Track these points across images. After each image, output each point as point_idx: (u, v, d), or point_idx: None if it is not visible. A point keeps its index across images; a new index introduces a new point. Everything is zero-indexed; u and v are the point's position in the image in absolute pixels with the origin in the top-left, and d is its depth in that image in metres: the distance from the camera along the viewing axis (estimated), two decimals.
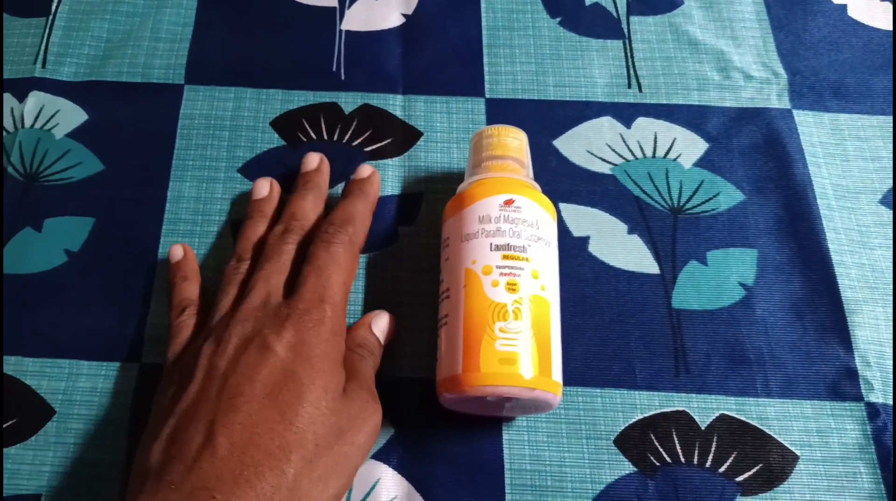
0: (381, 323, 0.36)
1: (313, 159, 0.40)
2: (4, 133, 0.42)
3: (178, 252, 0.38)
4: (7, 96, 0.43)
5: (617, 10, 0.47)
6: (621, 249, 0.40)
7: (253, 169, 0.42)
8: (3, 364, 0.36)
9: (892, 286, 0.39)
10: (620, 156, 0.42)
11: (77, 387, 0.36)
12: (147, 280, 0.38)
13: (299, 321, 0.32)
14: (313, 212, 0.38)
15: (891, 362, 0.37)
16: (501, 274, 0.32)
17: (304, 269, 0.34)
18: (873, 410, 0.36)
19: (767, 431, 0.35)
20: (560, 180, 0.41)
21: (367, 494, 0.34)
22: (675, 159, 0.42)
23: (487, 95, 0.44)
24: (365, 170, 0.39)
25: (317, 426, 0.29)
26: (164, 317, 0.37)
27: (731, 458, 0.35)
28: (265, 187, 0.39)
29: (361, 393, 0.32)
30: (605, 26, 0.47)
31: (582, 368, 0.36)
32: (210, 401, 0.29)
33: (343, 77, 0.44)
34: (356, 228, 0.36)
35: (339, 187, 0.41)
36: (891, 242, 0.40)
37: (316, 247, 0.35)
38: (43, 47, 0.45)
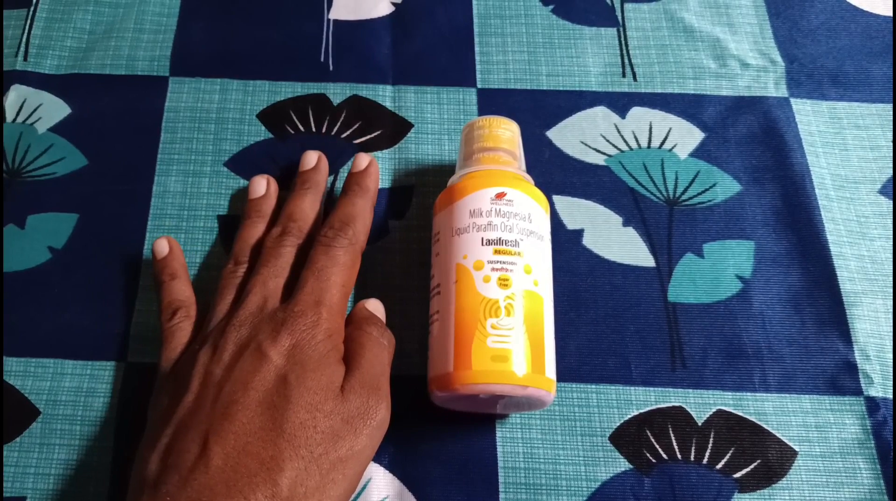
0: (373, 303, 0.35)
1: (311, 158, 0.39)
2: None
3: (163, 247, 0.37)
4: None
5: None
6: (616, 242, 0.39)
7: (240, 162, 0.41)
8: None
9: (891, 278, 0.38)
10: (615, 146, 0.42)
11: (62, 387, 0.35)
12: (132, 277, 0.38)
13: (294, 324, 0.31)
14: (311, 212, 0.37)
15: (891, 355, 0.36)
16: (493, 269, 0.31)
17: (302, 273, 0.33)
18: (873, 404, 0.35)
19: (765, 426, 0.35)
20: (553, 172, 0.41)
21: (359, 494, 0.33)
22: (670, 150, 0.42)
23: (479, 85, 0.43)
24: (362, 160, 0.38)
25: (308, 432, 0.28)
26: (149, 315, 0.37)
27: (729, 454, 0.34)
28: (262, 186, 0.38)
29: (361, 391, 0.30)
30: (599, 14, 0.46)
31: (576, 364, 0.36)
32: (205, 410, 0.29)
33: (331, 68, 0.44)
34: (356, 228, 0.35)
35: (328, 181, 0.40)
36: (891, 232, 0.40)
37: (315, 251, 0.34)
38: (24, 40, 0.44)
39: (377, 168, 0.39)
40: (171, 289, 0.36)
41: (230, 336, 0.31)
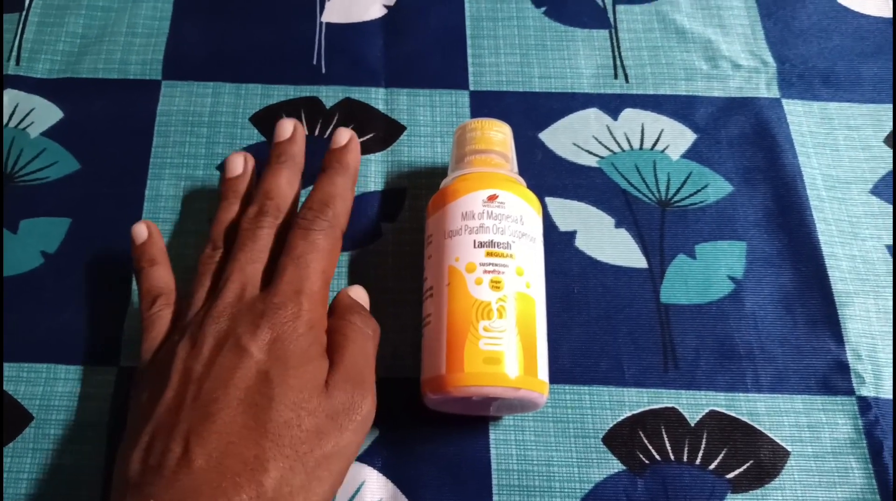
0: (355, 290, 0.35)
1: (286, 127, 0.37)
2: None
3: (142, 232, 0.36)
4: None
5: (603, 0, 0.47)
6: (609, 243, 0.39)
7: None
8: None
9: (883, 278, 0.38)
10: (607, 148, 0.42)
11: (55, 392, 0.35)
12: (125, 282, 0.38)
13: (274, 316, 0.30)
14: (289, 188, 0.35)
15: (882, 355, 0.36)
16: (485, 272, 0.31)
17: (281, 260, 0.32)
18: (865, 404, 0.35)
19: (758, 427, 0.35)
20: (546, 174, 0.41)
21: (352, 497, 0.33)
22: (662, 151, 0.42)
23: (471, 88, 0.43)
24: (342, 136, 0.37)
25: (293, 431, 0.28)
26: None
27: (722, 455, 0.34)
28: (239, 164, 0.37)
29: (346, 386, 0.30)
30: (591, 15, 0.46)
31: (569, 365, 0.36)
32: (186, 409, 0.28)
33: (324, 70, 0.44)
34: (336, 209, 0.34)
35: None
36: (882, 232, 0.40)
37: (293, 236, 0.33)
38: (16, 44, 0.44)
39: (357, 144, 0.37)
40: (151, 276, 0.34)
41: (209, 329, 0.30)
